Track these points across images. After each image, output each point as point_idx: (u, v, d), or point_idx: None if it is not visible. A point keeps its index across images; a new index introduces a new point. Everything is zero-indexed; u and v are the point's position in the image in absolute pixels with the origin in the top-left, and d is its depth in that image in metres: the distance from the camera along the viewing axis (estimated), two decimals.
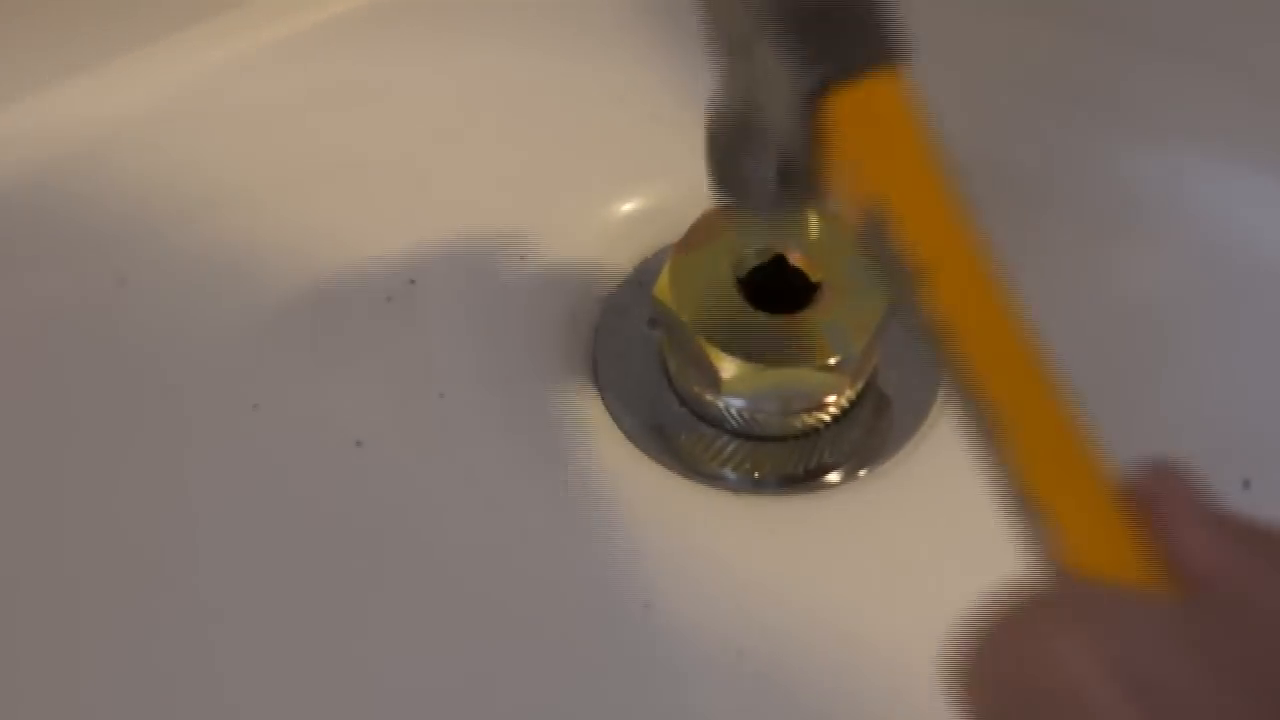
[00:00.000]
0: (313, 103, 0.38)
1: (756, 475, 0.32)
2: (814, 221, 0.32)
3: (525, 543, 0.30)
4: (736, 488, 0.32)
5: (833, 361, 0.30)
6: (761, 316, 0.31)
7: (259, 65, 0.38)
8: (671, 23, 0.39)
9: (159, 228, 0.35)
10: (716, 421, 0.33)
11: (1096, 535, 0.18)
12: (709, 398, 0.32)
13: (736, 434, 0.33)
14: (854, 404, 0.33)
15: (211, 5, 0.37)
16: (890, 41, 0.21)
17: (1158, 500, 0.18)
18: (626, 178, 0.36)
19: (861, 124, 0.21)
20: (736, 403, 0.32)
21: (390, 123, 0.38)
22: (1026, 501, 0.19)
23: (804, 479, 0.32)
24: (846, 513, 0.31)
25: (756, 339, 0.31)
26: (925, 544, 0.31)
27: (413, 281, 0.35)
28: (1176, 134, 0.36)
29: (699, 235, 0.32)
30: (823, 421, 0.32)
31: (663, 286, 0.31)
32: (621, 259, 0.35)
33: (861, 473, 0.32)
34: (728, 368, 0.31)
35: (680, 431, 0.33)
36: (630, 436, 0.32)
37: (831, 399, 0.32)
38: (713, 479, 0.32)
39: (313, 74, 0.38)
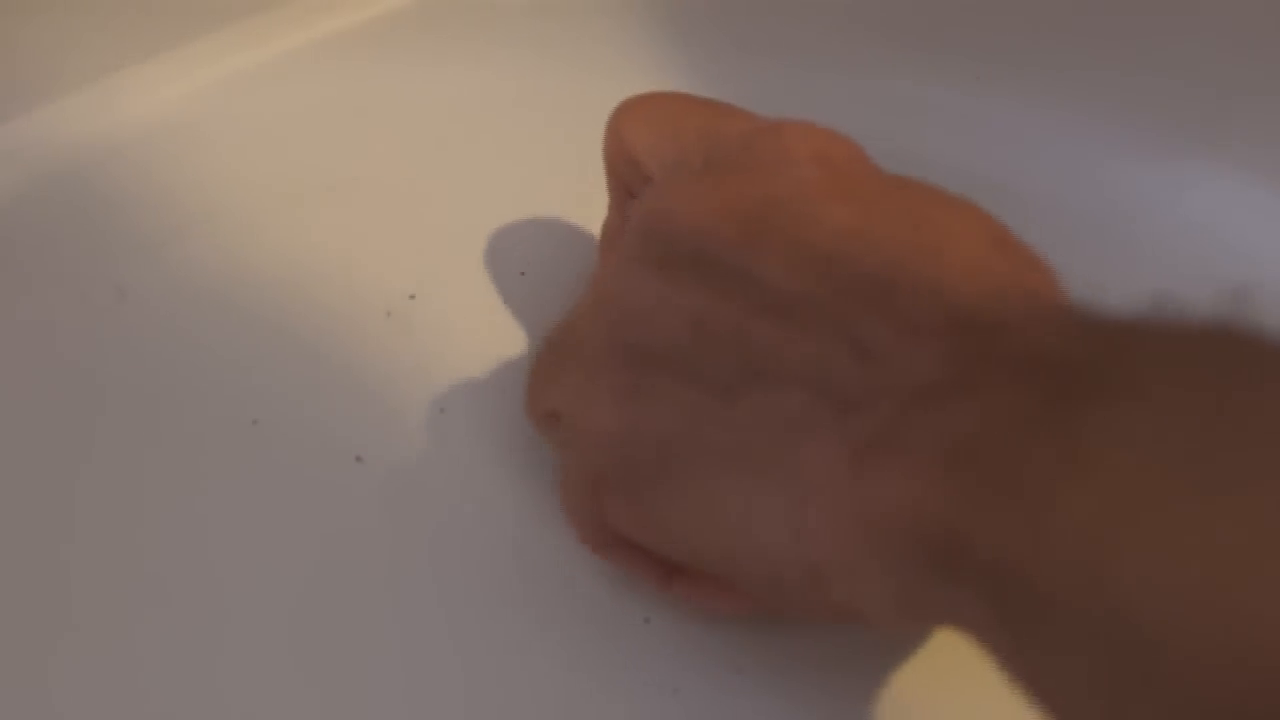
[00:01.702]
0: (312, 117, 0.38)
1: None
2: None
3: (525, 556, 0.30)
4: None
5: None
6: None
7: (258, 80, 0.38)
8: (675, 36, 0.40)
9: (158, 241, 0.35)
10: None
11: None
12: None
13: None
14: None
15: (209, 22, 0.37)
16: None
17: None
18: None
19: None
20: None
21: (390, 136, 0.38)
22: None
23: None
24: None
25: None
26: None
27: (412, 296, 0.35)
28: (1177, 144, 0.36)
29: None
30: None
31: None
32: None
33: None
34: None
35: None
36: None
37: None
38: None
39: (312, 88, 0.38)
